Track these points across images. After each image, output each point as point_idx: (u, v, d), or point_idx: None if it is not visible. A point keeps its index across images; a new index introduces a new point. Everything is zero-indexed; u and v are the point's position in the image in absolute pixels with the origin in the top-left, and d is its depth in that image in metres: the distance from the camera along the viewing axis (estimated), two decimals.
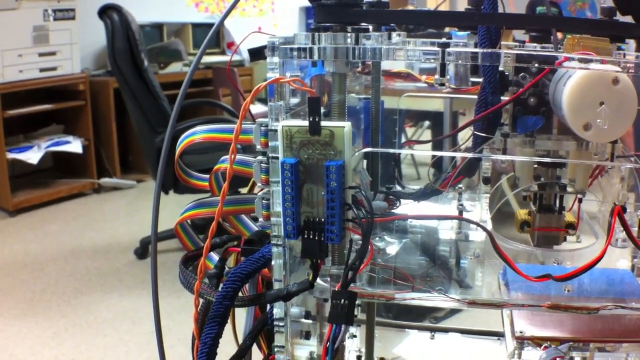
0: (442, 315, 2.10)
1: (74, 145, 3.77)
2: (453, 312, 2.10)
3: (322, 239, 0.68)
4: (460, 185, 0.99)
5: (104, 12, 2.82)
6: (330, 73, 0.77)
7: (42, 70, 3.62)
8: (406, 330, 1.23)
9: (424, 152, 3.04)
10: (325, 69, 0.78)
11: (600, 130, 0.67)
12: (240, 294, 0.72)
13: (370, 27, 0.77)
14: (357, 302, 0.71)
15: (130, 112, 2.99)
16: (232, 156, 0.71)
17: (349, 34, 0.70)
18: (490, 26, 0.79)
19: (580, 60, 0.66)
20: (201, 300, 0.75)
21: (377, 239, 0.91)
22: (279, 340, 0.75)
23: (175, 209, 0.97)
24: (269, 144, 0.70)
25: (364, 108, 0.96)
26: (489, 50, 0.68)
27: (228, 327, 0.75)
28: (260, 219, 0.74)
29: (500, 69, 0.81)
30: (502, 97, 0.82)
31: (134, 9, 3.07)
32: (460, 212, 0.98)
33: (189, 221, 0.86)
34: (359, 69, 0.96)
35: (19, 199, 3.54)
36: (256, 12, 5.40)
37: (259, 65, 4.51)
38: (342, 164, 0.66)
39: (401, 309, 1.68)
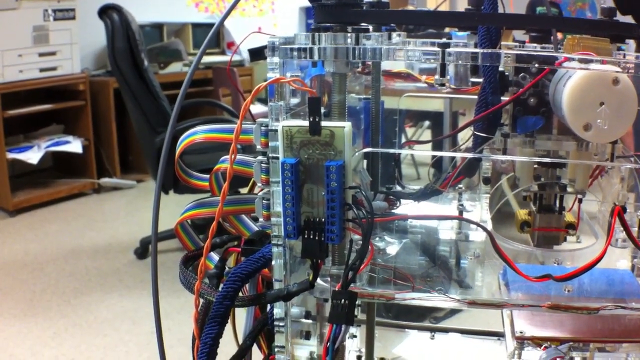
0: (442, 315, 2.10)
1: (74, 145, 3.78)
2: (453, 312, 2.10)
3: (323, 239, 0.68)
4: (461, 186, 0.99)
5: (104, 12, 2.82)
6: (331, 73, 0.77)
7: (42, 70, 3.62)
8: (406, 330, 1.23)
9: (424, 152, 3.04)
10: (325, 69, 0.78)
11: (600, 130, 0.67)
12: (240, 294, 0.72)
13: (371, 28, 0.77)
14: (357, 302, 0.71)
15: (130, 112, 2.99)
16: (233, 156, 0.71)
17: (349, 34, 0.70)
18: (490, 26, 0.79)
19: (580, 61, 0.66)
20: (201, 300, 0.75)
21: (377, 239, 0.91)
22: (279, 340, 0.75)
23: (175, 209, 0.97)
24: (269, 144, 0.70)
25: (364, 108, 0.96)
26: (489, 51, 0.68)
27: (228, 327, 0.75)
28: (261, 219, 0.74)
29: (500, 69, 0.81)
30: (502, 98, 0.82)
31: (134, 9, 3.07)
32: (461, 212, 0.98)
33: (189, 221, 0.86)
34: (359, 69, 0.96)
35: (19, 199, 3.54)
36: (256, 12, 5.40)
37: (259, 65, 4.52)
38: (343, 164, 0.66)
39: (401, 309, 1.68)
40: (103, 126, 3.99)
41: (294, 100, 0.73)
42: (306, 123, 0.67)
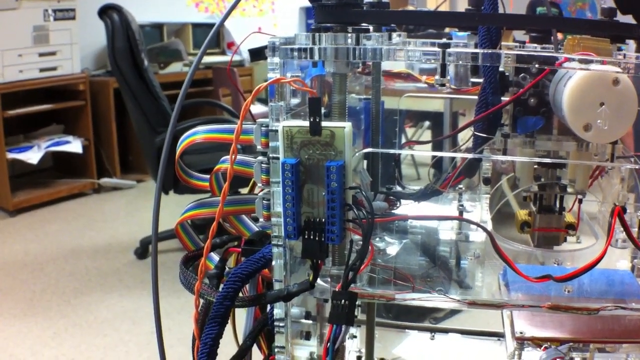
0: (442, 315, 2.10)
1: (74, 145, 3.78)
2: (453, 312, 2.11)
3: (323, 239, 0.68)
4: (461, 186, 0.99)
5: (104, 12, 2.82)
6: (331, 73, 0.77)
7: (42, 70, 3.62)
8: (406, 330, 1.23)
9: (424, 153, 3.04)
10: (325, 70, 0.78)
11: (600, 130, 0.67)
12: (240, 294, 0.72)
13: (371, 28, 0.77)
14: (357, 302, 0.71)
15: (130, 112, 2.99)
16: (233, 156, 0.71)
17: (349, 35, 0.70)
18: (490, 27, 0.79)
19: (581, 61, 0.66)
20: (201, 301, 0.75)
21: (377, 239, 0.91)
22: (279, 340, 0.75)
23: (176, 209, 0.97)
24: (270, 144, 0.70)
25: (365, 108, 0.96)
26: (490, 51, 0.68)
27: (228, 328, 0.75)
28: (261, 220, 0.74)
29: (501, 69, 0.81)
30: (502, 98, 0.82)
31: (134, 9, 3.07)
32: (461, 213, 0.98)
33: (189, 221, 0.86)
34: (360, 70, 0.96)
35: (19, 199, 3.54)
36: (256, 12, 5.40)
37: (259, 65, 4.52)
38: (343, 165, 0.66)
39: (401, 310, 1.68)
40: (103, 126, 3.99)
41: (295, 101, 0.73)
42: (306, 123, 0.67)
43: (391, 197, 0.92)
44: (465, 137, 0.90)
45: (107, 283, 2.66)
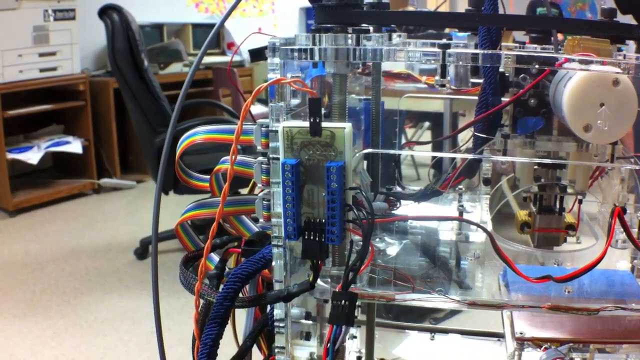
0: (442, 316, 2.10)
1: (74, 146, 3.78)
2: (453, 313, 2.11)
3: (323, 239, 0.68)
4: (461, 187, 0.99)
5: (104, 12, 2.82)
6: (331, 74, 0.77)
7: (42, 70, 3.62)
8: (406, 331, 1.23)
9: (424, 153, 3.04)
10: (325, 70, 0.78)
11: (600, 131, 0.67)
12: (240, 294, 0.72)
13: (371, 28, 0.77)
14: (357, 303, 0.71)
15: (130, 112, 2.99)
16: (233, 157, 0.71)
17: (349, 35, 0.70)
18: (490, 27, 0.79)
19: (581, 62, 0.66)
20: (202, 301, 0.75)
21: (377, 239, 0.91)
22: (279, 341, 0.75)
23: (175, 209, 0.97)
24: (270, 144, 0.70)
25: (365, 109, 0.96)
26: (490, 52, 0.68)
27: (228, 328, 0.75)
28: (261, 220, 0.74)
29: (501, 70, 0.81)
30: (502, 98, 0.82)
31: (134, 9, 3.07)
32: (461, 213, 0.98)
33: (189, 222, 0.86)
34: (360, 70, 0.96)
35: (19, 199, 3.54)
36: (256, 12, 5.41)
37: (259, 65, 4.52)
38: (343, 165, 0.66)
39: (401, 310, 1.68)
40: (103, 126, 3.99)
41: (295, 101, 0.73)
42: (307, 124, 0.67)
43: (391, 198, 0.92)
44: (465, 137, 0.90)
45: (107, 283, 2.66)
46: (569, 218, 0.88)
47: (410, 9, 3.24)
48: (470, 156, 0.85)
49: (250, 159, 0.78)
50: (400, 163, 1.03)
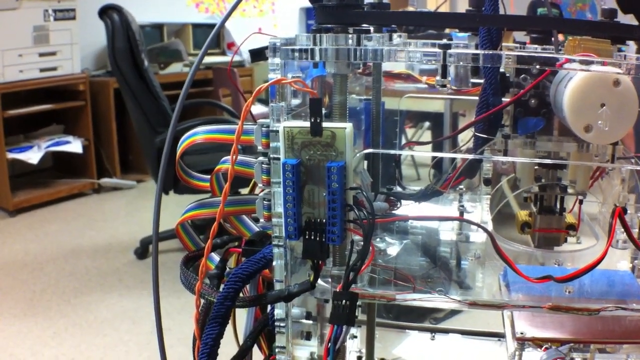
0: (443, 316, 2.10)
1: (74, 145, 3.78)
2: (453, 313, 2.11)
3: (323, 239, 0.68)
4: (461, 187, 0.99)
5: (104, 12, 2.82)
6: (332, 74, 0.77)
7: (42, 70, 3.63)
8: (406, 331, 1.23)
9: (425, 153, 3.04)
10: (326, 70, 0.78)
11: (601, 131, 0.67)
12: (241, 294, 0.72)
13: (372, 29, 0.77)
14: (358, 303, 0.71)
15: (130, 112, 2.99)
16: (234, 157, 0.71)
17: (350, 35, 0.70)
18: (491, 27, 0.79)
19: (581, 62, 0.66)
20: (202, 301, 0.75)
21: (378, 239, 0.91)
22: (279, 340, 0.75)
23: (176, 209, 0.97)
24: (270, 144, 0.70)
25: (365, 109, 0.96)
26: (490, 52, 0.68)
27: (229, 328, 0.75)
28: (262, 220, 0.74)
29: (501, 70, 0.81)
30: (503, 99, 0.82)
31: (134, 9, 3.07)
32: (461, 213, 0.99)
33: (189, 221, 0.86)
34: (360, 70, 0.96)
35: (19, 199, 3.54)
36: (256, 12, 5.41)
37: (259, 66, 4.52)
38: (344, 165, 0.66)
39: (401, 310, 1.68)
40: (103, 126, 3.99)
41: (295, 101, 0.73)
42: (307, 124, 0.67)
43: (392, 198, 0.92)
44: (465, 137, 0.90)
45: (107, 283, 2.66)
46: (570, 218, 0.88)
47: (411, 9, 3.25)
48: (470, 156, 0.85)
49: (251, 159, 0.78)
50: (401, 163, 1.03)
